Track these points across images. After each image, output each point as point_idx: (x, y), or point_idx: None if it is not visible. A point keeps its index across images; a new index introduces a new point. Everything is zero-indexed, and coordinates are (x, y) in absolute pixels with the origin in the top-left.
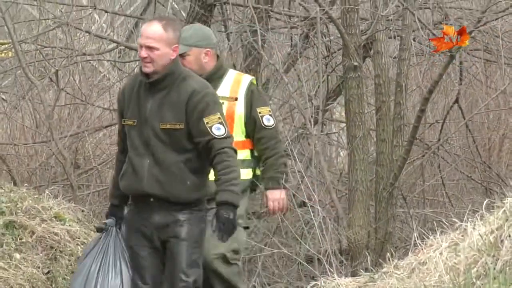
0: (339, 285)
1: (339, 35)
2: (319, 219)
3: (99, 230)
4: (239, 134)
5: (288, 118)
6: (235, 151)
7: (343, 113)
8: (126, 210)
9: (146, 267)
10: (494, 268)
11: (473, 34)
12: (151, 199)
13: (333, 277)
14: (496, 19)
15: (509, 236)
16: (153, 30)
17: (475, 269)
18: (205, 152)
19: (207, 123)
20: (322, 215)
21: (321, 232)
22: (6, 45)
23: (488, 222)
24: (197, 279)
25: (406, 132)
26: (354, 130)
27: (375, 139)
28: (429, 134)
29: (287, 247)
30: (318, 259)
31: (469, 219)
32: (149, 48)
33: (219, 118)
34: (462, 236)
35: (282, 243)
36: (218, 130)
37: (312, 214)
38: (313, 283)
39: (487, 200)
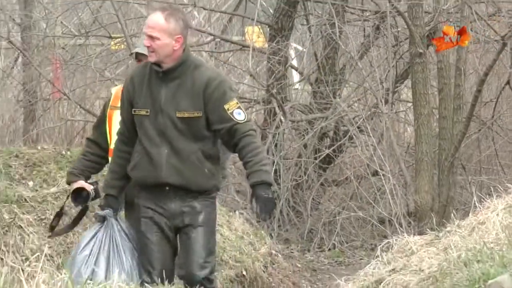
0: (408, 243)
1: (406, 27)
2: (390, 186)
3: (101, 219)
4: None
5: (362, 99)
6: (257, 133)
7: (409, 94)
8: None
9: (155, 253)
10: None
11: None
12: (167, 188)
13: (403, 235)
14: None
15: None
16: (154, 20)
17: None
18: (226, 138)
19: (228, 109)
20: (392, 182)
21: (391, 197)
22: (119, 39)
23: None
24: (214, 266)
25: (464, 110)
26: (420, 108)
27: (437, 116)
28: (484, 112)
29: (362, 210)
30: (389, 221)
31: None
32: (151, 37)
33: (237, 103)
34: None
35: (357, 207)
36: (239, 115)
37: (383, 181)
38: (385, 241)
39: None
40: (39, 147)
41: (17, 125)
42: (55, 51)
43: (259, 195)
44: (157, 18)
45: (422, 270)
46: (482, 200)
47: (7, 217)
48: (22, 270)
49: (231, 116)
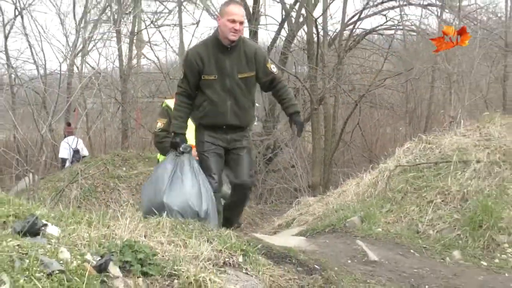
0: (308, 200)
1: (309, 95)
2: (300, 172)
3: (181, 153)
4: None
5: (287, 130)
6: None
7: (311, 128)
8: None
9: (214, 164)
10: (374, 193)
11: (365, 95)
12: (224, 127)
13: (306, 197)
14: (376, 88)
15: (381, 180)
16: (241, 10)
17: (366, 193)
18: (267, 85)
19: (268, 66)
20: (301, 170)
21: (300, 178)
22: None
23: (372, 174)
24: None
25: (336, 136)
26: (315, 135)
27: (324, 139)
28: (346, 137)
29: (287, 184)
30: (299, 189)
31: (364, 173)
32: (241, 23)
33: (271, 62)
34: (361, 180)
35: (284, 182)
36: (274, 69)
37: (297, 170)
38: (297, 199)
39: (371, 165)
40: (128, 151)
41: (118, 140)
42: (137, 104)
43: (297, 120)
44: (240, 8)
45: (315, 214)
46: (344, 180)
47: (112, 184)
48: (119, 211)
49: (271, 70)
